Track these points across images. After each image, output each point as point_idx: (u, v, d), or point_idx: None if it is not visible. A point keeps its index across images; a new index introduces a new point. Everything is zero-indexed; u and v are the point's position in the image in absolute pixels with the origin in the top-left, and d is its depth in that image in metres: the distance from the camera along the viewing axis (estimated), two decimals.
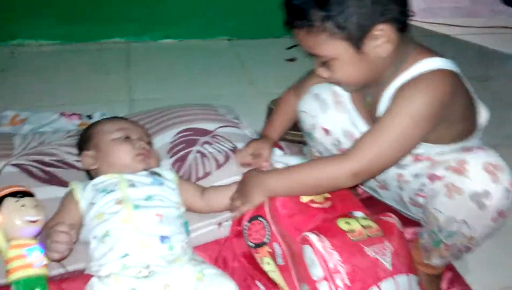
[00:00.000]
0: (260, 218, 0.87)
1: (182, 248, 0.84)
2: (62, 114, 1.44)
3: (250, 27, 2.22)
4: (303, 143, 1.36)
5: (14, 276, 0.81)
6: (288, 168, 0.89)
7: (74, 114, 1.46)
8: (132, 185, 0.89)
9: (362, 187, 1.09)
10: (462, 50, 2.25)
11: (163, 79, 1.82)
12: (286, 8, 0.79)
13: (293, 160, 1.24)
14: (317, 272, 0.75)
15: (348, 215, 0.85)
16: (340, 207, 0.88)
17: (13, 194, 0.86)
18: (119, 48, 2.07)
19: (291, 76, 1.89)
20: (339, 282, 0.73)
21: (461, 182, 0.76)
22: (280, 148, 1.32)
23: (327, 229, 0.78)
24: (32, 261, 0.82)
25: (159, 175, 0.95)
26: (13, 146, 1.07)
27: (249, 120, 1.35)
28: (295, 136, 1.35)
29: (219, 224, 0.98)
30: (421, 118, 0.76)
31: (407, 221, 1.07)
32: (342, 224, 0.80)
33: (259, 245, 0.86)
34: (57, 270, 0.86)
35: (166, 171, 0.98)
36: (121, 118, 1.08)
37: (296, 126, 1.35)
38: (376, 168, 0.80)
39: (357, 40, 0.76)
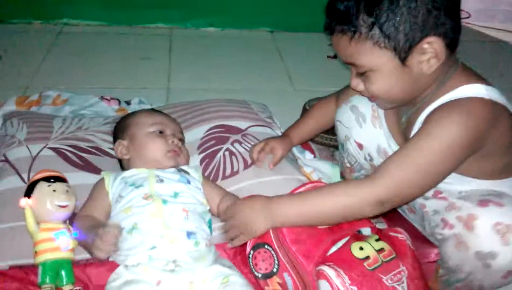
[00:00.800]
0: (267, 246, 0.83)
1: (206, 245, 0.86)
2: (102, 97, 1.48)
3: (293, 20, 2.18)
4: (336, 147, 1.33)
5: (42, 258, 0.84)
6: (301, 194, 0.82)
7: (113, 98, 1.49)
8: (160, 180, 0.91)
9: None
10: None
11: (202, 68, 1.83)
12: (328, 12, 0.75)
13: (323, 165, 1.24)
14: None
15: (358, 235, 0.83)
16: (346, 225, 0.85)
17: (46, 179, 0.90)
18: (162, 33, 2.09)
19: (331, 74, 1.87)
20: None
21: (468, 238, 0.73)
22: (311, 151, 1.30)
23: (342, 260, 0.76)
24: (59, 244, 0.86)
25: (186, 172, 0.96)
26: (52, 129, 1.11)
27: (284, 118, 1.33)
28: (329, 140, 1.33)
29: None
30: (452, 145, 0.71)
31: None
32: (356, 251, 0.78)
33: (267, 276, 0.82)
34: (82, 255, 0.89)
35: (193, 170, 0.99)
36: (159, 111, 1.10)
37: (331, 129, 1.33)
38: (404, 196, 0.75)
39: (403, 51, 0.71)
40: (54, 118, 1.19)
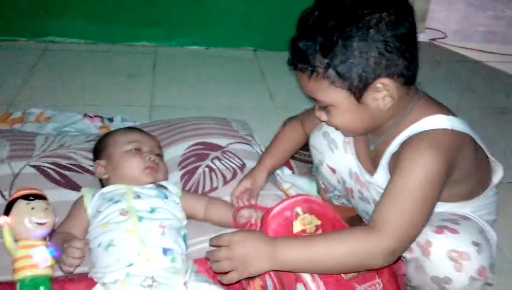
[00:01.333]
0: None
1: (183, 261, 0.88)
2: (85, 115, 1.50)
3: (275, 39, 2.23)
4: (311, 162, 1.37)
5: (20, 275, 0.85)
6: (306, 238, 0.79)
7: (96, 116, 1.51)
8: (138, 196, 0.93)
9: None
10: (492, 79, 2.20)
11: (186, 86, 1.87)
12: (290, 48, 0.79)
13: (301, 181, 1.27)
14: None
15: None
16: None
17: (25, 197, 0.91)
18: (146, 51, 2.13)
19: None
20: None
21: (425, 263, 0.77)
22: (290, 167, 1.34)
23: None
24: (37, 261, 0.87)
25: (164, 188, 0.98)
26: (34, 147, 1.13)
27: (265, 134, 1.37)
28: (307, 156, 1.37)
29: None
30: (432, 178, 0.74)
31: None
32: None
33: (250, 278, 0.84)
34: (61, 272, 0.90)
35: (172, 185, 1.01)
36: (136, 129, 1.12)
37: (306, 146, 1.37)
38: (411, 238, 0.75)
39: (357, 91, 0.75)
40: (37, 136, 1.20)
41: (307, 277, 0.78)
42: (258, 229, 0.87)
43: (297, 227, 0.87)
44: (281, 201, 0.89)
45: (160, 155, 1.05)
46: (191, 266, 0.89)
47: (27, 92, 1.70)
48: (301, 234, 0.86)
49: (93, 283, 0.86)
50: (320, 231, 0.88)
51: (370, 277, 0.81)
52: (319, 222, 0.89)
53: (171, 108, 1.65)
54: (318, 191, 1.18)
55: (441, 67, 2.27)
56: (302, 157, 1.38)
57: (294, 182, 1.24)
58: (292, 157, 1.38)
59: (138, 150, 1.01)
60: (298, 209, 0.89)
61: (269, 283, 0.85)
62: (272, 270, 0.79)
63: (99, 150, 1.05)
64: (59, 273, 0.90)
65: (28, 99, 1.63)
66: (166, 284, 0.82)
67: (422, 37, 2.56)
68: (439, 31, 2.65)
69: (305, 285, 0.78)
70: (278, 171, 1.27)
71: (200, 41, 2.21)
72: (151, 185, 0.98)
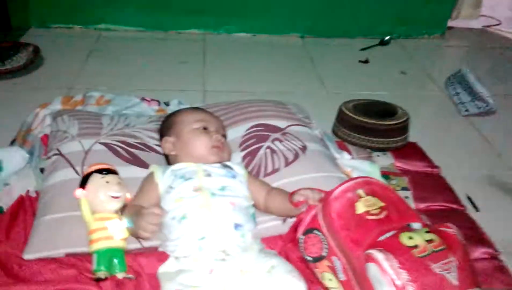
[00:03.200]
0: (316, 231, 0.86)
1: (252, 237, 0.89)
2: (143, 99, 1.53)
3: (324, 26, 2.22)
4: (371, 148, 1.35)
5: (96, 246, 0.89)
6: None
7: (153, 100, 1.54)
8: (208, 174, 0.94)
9: None
10: None
11: (235, 71, 1.88)
12: None
13: (362, 165, 1.25)
14: None
15: (407, 228, 0.84)
16: (396, 218, 0.86)
17: (100, 171, 0.95)
18: (196, 39, 2.15)
19: (364, 78, 1.90)
20: None
21: None
22: (349, 152, 1.32)
23: (391, 246, 0.77)
24: (112, 233, 0.90)
25: (231, 168, 1.00)
26: (102, 126, 1.17)
27: (318, 120, 1.36)
28: (365, 141, 1.35)
29: (284, 220, 1.01)
30: None
31: (477, 241, 1.04)
32: (405, 239, 0.79)
33: (317, 259, 0.85)
34: (134, 245, 0.93)
35: (237, 165, 1.02)
36: (201, 109, 1.14)
37: (364, 130, 1.35)
38: None
39: None
40: (102, 116, 1.24)
41: (379, 255, 0.77)
42: (318, 211, 0.87)
43: (360, 208, 0.86)
44: (342, 183, 0.88)
45: (224, 136, 1.06)
46: (259, 243, 0.90)
47: (85, 77, 1.75)
48: (365, 216, 0.85)
49: (164, 256, 0.89)
50: (384, 213, 0.87)
51: (443, 256, 0.79)
52: (383, 204, 0.88)
53: (224, 93, 1.66)
54: (383, 174, 1.17)
55: (495, 54, 2.19)
56: (361, 143, 1.36)
57: (355, 165, 1.22)
58: (351, 143, 1.37)
59: (205, 129, 1.02)
60: (360, 191, 0.88)
61: (337, 263, 0.85)
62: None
63: (167, 127, 1.07)
64: (132, 246, 0.93)
65: (87, 82, 1.68)
66: (238, 258, 0.83)
67: (476, 24, 2.46)
68: (493, 18, 2.55)
69: (377, 263, 0.77)
70: (337, 155, 1.26)
71: (248, 28, 2.21)
72: (218, 165, 0.99)
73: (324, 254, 0.86)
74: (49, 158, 1.09)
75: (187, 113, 1.07)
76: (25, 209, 1.03)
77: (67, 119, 1.19)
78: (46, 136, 1.23)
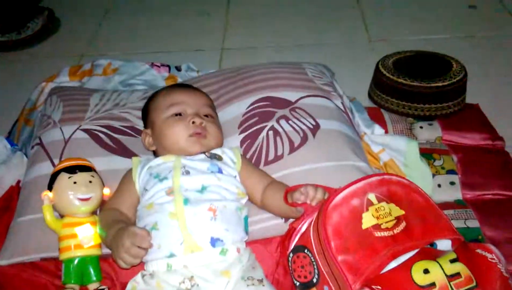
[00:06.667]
0: (306, 251, 0.68)
1: (237, 252, 0.73)
2: (153, 64, 1.39)
3: None
4: (414, 116, 1.09)
5: (65, 255, 0.79)
6: None
7: (163, 65, 1.39)
8: (187, 172, 0.79)
9: None
10: None
11: (263, 21, 1.63)
12: None
13: (397, 142, 1.00)
14: None
15: (428, 251, 0.64)
16: (418, 230, 0.66)
17: (69, 169, 0.83)
18: None
19: (412, 20, 1.55)
20: None
21: None
22: (383, 124, 1.07)
23: (397, 284, 0.58)
24: (82, 240, 0.80)
25: (219, 158, 0.83)
26: (88, 108, 1.04)
27: (354, 81, 1.11)
28: (407, 108, 1.09)
29: (287, 219, 0.83)
30: None
31: None
32: (418, 274, 0.59)
33: (306, 286, 0.68)
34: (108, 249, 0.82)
35: (229, 152, 0.85)
36: (180, 86, 0.96)
37: (405, 94, 1.08)
38: None
39: None
40: (93, 93, 1.12)
41: None
42: (313, 222, 0.68)
43: (368, 221, 0.65)
44: (348, 185, 0.68)
45: (210, 116, 0.88)
46: (246, 262, 0.74)
47: (100, 41, 1.65)
48: (374, 232, 0.64)
49: (142, 264, 0.77)
50: (402, 226, 0.66)
51: None
52: (402, 212, 0.67)
53: (244, 51, 1.45)
54: (423, 152, 0.93)
55: None
56: (400, 109, 1.10)
57: (387, 143, 0.98)
58: (389, 110, 1.11)
59: (179, 115, 0.85)
60: (371, 196, 0.67)
61: None
62: None
63: (144, 117, 0.93)
64: (107, 251, 0.82)
65: (102, 47, 1.58)
66: (205, 288, 0.69)
67: None
68: None
69: None
70: (366, 130, 1.03)
71: None
72: (202, 156, 0.83)
73: (314, 280, 0.68)
74: (32, 147, 1.00)
75: (160, 97, 0.90)
76: (14, 203, 0.97)
77: (54, 100, 1.08)
78: None
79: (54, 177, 0.84)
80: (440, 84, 1.06)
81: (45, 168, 0.92)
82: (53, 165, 0.93)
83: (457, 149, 1.01)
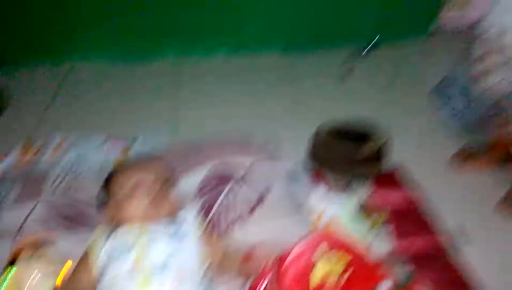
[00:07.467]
0: None
1: None
2: (108, 138, 1.45)
3: (305, 40, 2.12)
4: (348, 177, 1.23)
5: None
6: None
7: (119, 139, 1.46)
8: (151, 240, 0.85)
9: None
10: None
11: (211, 97, 1.78)
12: None
13: (336, 201, 1.13)
14: None
15: None
16: (362, 278, 0.76)
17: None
18: (169, 66, 2.06)
19: (344, 94, 1.78)
20: None
21: None
22: (325, 182, 1.21)
23: None
24: None
25: (181, 224, 0.90)
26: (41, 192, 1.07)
27: (294, 147, 1.28)
28: (339, 169, 1.24)
29: (246, 279, 0.90)
30: None
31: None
32: None
33: None
34: None
35: (191, 217, 0.92)
36: (136, 161, 1.03)
37: (339, 157, 1.24)
38: None
39: None
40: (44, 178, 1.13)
41: None
42: (269, 279, 0.77)
43: (316, 276, 0.76)
44: (294, 245, 0.79)
45: (165, 182, 0.93)
46: None
47: (51, 120, 1.68)
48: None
49: None
50: (347, 274, 0.77)
51: None
52: (349, 258, 0.78)
53: (197, 122, 1.58)
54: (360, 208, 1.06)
55: None
56: (337, 171, 1.24)
57: (327, 202, 1.11)
58: (328, 171, 1.25)
59: (138, 186, 0.90)
60: (323, 246, 0.78)
61: None
62: None
63: (104, 194, 0.96)
64: None
65: (53, 125, 1.60)
66: None
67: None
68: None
69: None
70: (307, 193, 1.14)
71: (223, 48, 2.12)
72: (165, 222, 0.89)
73: None
74: None
75: (117, 176, 0.95)
76: None
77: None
78: None
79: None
80: (362, 149, 1.23)
81: None
82: None
83: (387, 205, 1.17)
